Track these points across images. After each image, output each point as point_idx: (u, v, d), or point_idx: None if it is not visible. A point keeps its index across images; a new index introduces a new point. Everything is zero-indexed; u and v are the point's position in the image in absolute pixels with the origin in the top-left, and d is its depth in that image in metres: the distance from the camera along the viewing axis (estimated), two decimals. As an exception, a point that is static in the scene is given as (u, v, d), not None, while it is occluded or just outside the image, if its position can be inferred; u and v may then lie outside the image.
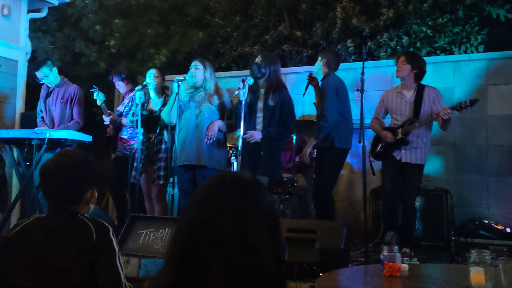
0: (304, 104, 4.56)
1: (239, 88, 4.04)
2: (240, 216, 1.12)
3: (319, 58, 4.55)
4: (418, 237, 4.71)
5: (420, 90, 4.32)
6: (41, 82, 5.17)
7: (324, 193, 4.41)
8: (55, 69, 5.18)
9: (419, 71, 4.34)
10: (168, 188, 4.86)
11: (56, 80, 5.16)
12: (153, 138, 4.69)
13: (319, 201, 4.44)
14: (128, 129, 5.00)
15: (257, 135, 4.10)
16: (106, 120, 4.97)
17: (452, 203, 5.08)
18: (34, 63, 5.54)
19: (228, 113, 4.25)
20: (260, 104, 4.23)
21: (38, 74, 5.09)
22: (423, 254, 4.27)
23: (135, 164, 4.55)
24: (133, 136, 4.96)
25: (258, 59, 4.25)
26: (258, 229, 1.12)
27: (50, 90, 5.18)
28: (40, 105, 5.28)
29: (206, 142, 4.19)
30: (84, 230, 1.74)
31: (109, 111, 4.98)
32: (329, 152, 4.34)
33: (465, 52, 6.17)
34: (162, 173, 4.53)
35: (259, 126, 4.20)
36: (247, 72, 5.51)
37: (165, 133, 4.61)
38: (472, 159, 5.41)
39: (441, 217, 4.94)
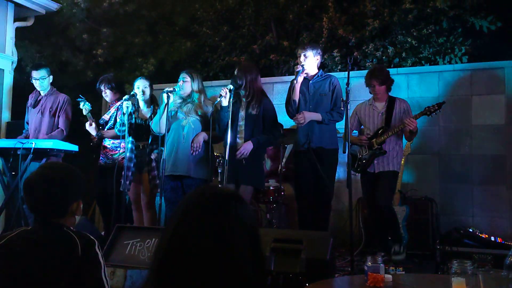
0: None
1: (220, 95, 4.06)
2: (220, 229, 1.14)
3: (312, 53, 4.37)
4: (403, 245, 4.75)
5: (391, 102, 4.52)
6: (33, 82, 5.13)
7: (330, 197, 4.43)
8: (51, 78, 5.20)
9: (391, 83, 4.55)
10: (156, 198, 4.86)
11: (47, 88, 5.16)
12: (141, 147, 4.69)
13: (325, 207, 4.39)
14: (111, 139, 4.98)
15: (248, 146, 4.10)
16: (90, 129, 4.90)
17: (437, 211, 5.13)
18: (35, 63, 5.58)
19: (212, 124, 4.23)
20: (242, 113, 4.25)
21: (36, 74, 5.08)
22: (408, 263, 4.31)
23: (123, 173, 4.54)
24: (116, 146, 4.95)
25: (235, 71, 4.27)
26: (238, 242, 1.14)
27: (39, 98, 5.16)
28: (27, 115, 5.25)
29: (192, 154, 4.24)
30: (69, 243, 1.74)
31: (93, 121, 4.92)
32: (334, 154, 4.41)
33: (449, 62, 6.27)
34: (157, 181, 4.52)
35: (241, 134, 4.22)
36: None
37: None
38: (456, 168, 5.48)
39: (426, 226, 4.99)
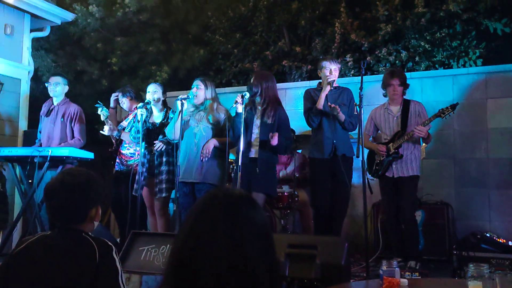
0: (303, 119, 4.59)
1: (236, 102, 4.09)
2: (233, 232, 1.14)
3: (337, 68, 4.45)
4: (419, 251, 4.71)
5: (406, 104, 4.51)
6: (47, 87, 5.24)
7: (346, 205, 4.43)
8: (67, 88, 5.30)
9: (406, 86, 4.56)
10: (170, 204, 4.88)
11: (60, 97, 5.25)
12: (154, 151, 4.72)
13: (340, 215, 4.38)
14: (128, 145, 5.05)
15: (275, 140, 4.08)
16: (109, 131, 4.98)
17: (453, 216, 5.08)
18: (54, 72, 5.76)
19: (225, 130, 4.26)
20: (257, 121, 4.28)
21: (52, 79, 5.23)
22: (425, 268, 4.27)
23: (136, 177, 4.58)
24: (132, 153, 5.01)
25: (251, 79, 4.31)
26: (251, 245, 1.14)
27: (51, 108, 5.25)
28: (40, 124, 5.34)
29: (202, 160, 4.27)
30: (87, 249, 1.76)
31: (112, 126, 5.02)
32: (351, 163, 4.43)
33: (464, 66, 6.22)
34: (164, 185, 4.56)
35: (255, 141, 4.24)
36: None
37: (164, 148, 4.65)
38: (472, 172, 5.42)
39: (443, 231, 4.94)
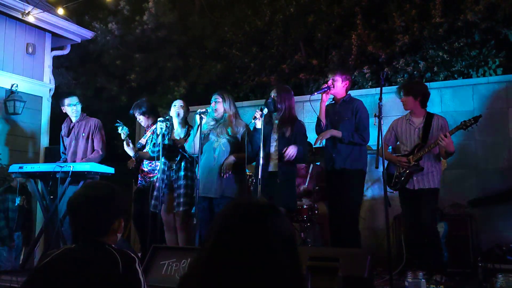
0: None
1: (254, 117, 4.10)
2: (258, 241, 1.13)
3: (341, 79, 4.46)
4: (443, 263, 4.62)
5: (429, 118, 4.44)
6: (65, 109, 5.29)
7: (356, 218, 4.39)
8: (80, 105, 5.36)
9: (423, 97, 4.44)
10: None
11: (78, 115, 5.31)
12: (173, 166, 4.73)
13: (352, 228, 4.33)
14: (149, 162, 5.05)
15: (293, 150, 4.07)
16: (127, 149, 4.97)
17: (477, 228, 4.97)
18: (66, 92, 5.82)
19: (244, 145, 4.25)
20: (274, 135, 4.27)
21: (67, 100, 5.26)
22: (450, 281, 4.18)
23: (155, 193, 4.59)
24: (153, 169, 5.02)
25: (273, 93, 4.30)
26: (279, 253, 1.12)
27: (71, 126, 5.31)
28: (63, 144, 5.39)
29: (222, 176, 4.27)
30: (111, 261, 1.77)
31: (131, 145, 5.01)
32: (359, 176, 4.38)
33: (483, 75, 6.15)
34: (182, 199, 4.55)
35: (274, 155, 4.23)
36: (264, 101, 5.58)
37: (183, 163, 4.66)
38: (495, 182, 5.32)
39: (466, 243, 4.84)
